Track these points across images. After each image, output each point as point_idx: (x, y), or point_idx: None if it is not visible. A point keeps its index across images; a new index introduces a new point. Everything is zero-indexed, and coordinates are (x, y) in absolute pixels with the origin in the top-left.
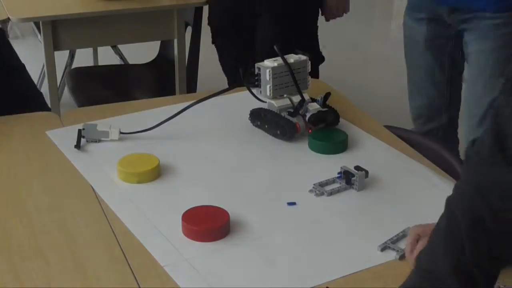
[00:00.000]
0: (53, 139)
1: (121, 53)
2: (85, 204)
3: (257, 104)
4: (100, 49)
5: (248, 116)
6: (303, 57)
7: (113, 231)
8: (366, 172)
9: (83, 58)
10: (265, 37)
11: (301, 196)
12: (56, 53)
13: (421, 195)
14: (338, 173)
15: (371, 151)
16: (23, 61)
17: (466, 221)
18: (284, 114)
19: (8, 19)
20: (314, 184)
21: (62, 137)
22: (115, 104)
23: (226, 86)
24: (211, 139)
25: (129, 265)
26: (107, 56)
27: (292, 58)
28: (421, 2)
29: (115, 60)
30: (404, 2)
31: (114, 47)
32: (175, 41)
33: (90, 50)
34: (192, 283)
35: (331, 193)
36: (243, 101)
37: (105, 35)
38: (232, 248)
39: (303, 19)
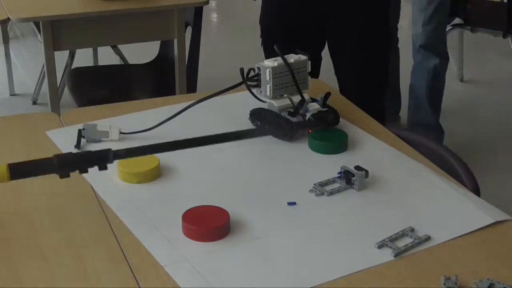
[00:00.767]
0: (53, 139)
1: (121, 53)
2: (85, 204)
3: (257, 104)
4: (100, 49)
5: (248, 116)
6: (303, 57)
7: (113, 231)
8: (366, 172)
9: (83, 58)
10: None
11: (301, 196)
12: (56, 53)
13: (421, 195)
14: (338, 173)
15: (371, 151)
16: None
17: None
18: (284, 114)
19: (8, 19)
20: (314, 184)
21: (62, 137)
22: (115, 104)
23: (226, 86)
24: None
25: (129, 265)
26: (107, 56)
27: (292, 58)
28: None
29: (115, 60)
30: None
31: (114, 47)
32: (175, 41)
33: (90, 50)
34: (192, 283)
35: (331, 193)
36: (243, 101)
37: (105, 35)
38: (233, 248)
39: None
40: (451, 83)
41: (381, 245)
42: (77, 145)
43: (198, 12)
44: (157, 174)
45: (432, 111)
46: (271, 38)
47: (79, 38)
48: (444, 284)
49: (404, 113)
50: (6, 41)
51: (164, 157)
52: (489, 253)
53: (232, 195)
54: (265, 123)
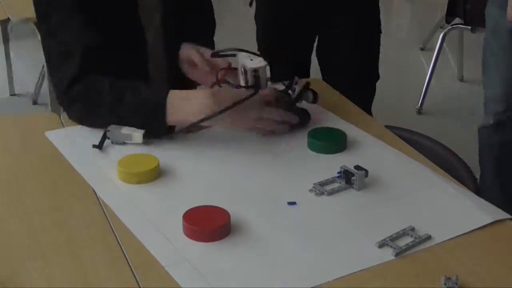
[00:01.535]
0: (53, 140)
1: None
2: (85, 205)
3: None
4: None
5: None
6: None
7: (113, 231)
8: (366, 171)
9: None
10: None
11: (301, 195)
12: None
13: (421, 194)
14: (338, 173)
15: (371, 151)
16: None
17: None
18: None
19: (8, 19)
20: (314, 184)
21: (62, 137)
22: None
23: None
24: (210, 139)
25: (129, 265)
26: None
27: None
28: None
29: None
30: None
31: None
32: None
33: None
34: (193, 283)
35: (331, 192)
36: None
37: None
38: (233, 248)
39: None
40: (451, 83)
41: (381, 245)
42: (99, 145)
43: None
44: (157, 174)
45: None
46: (266, 39)
47: None
48: (445, 284)
49: (408, 121)
50: (6, 41)
51: (164, 158)
52: (489, 253)
53: (232, 195)
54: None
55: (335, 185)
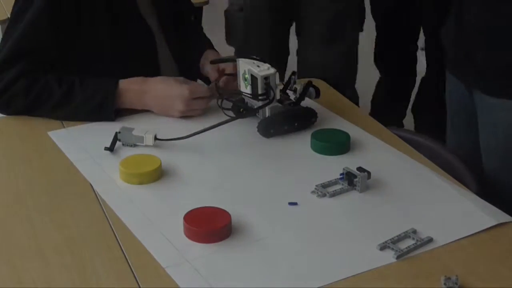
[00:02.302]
0: (55, 140)
1: None
2: (86, 205)
3: None
4: None
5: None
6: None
7: (113, 232)
8: (369, 173)
9: None
10: None
11: (303, 197)
12: None
13: (424, 196)
14: (340, 174)
15: (373, 152)
16: None
17: None
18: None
19: (8, 19)
20: (316, 185)
21: (64, 138)
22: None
23: None
24: (212, 140)
25: (129, 265)
26: None
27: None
28: None
29: None
30: None
31: None
32: None
33: None
34: (193, 284)
35: (333, 194)
36: None
37: None
38: (234, 249)
39: None
40: None
41: (383, 247)
42: (110, 148)
43: (198, 12)
44: (158, 175)
45: None
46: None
47: None
48: (445, 284)
49: (407, 121)
50: None
51: (166, 158)
52: (490, 254)
53: (234, 196)
54: (281, 124)
55: (338, 187)
